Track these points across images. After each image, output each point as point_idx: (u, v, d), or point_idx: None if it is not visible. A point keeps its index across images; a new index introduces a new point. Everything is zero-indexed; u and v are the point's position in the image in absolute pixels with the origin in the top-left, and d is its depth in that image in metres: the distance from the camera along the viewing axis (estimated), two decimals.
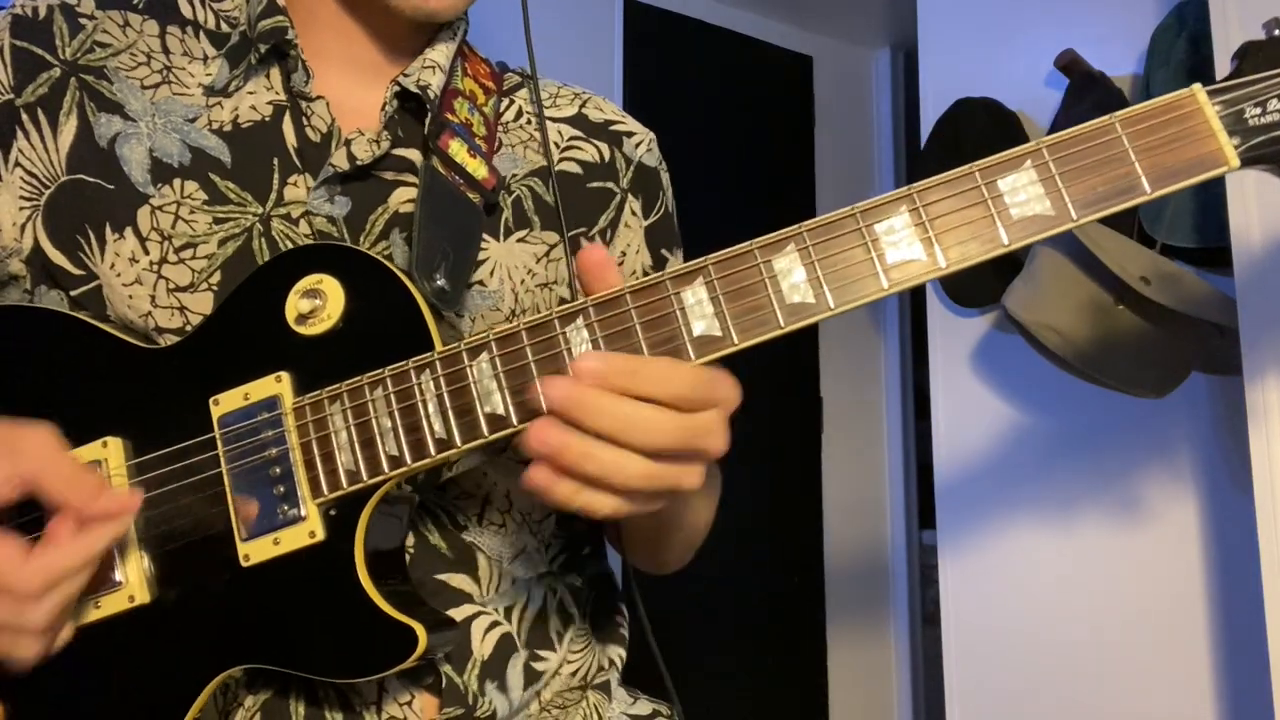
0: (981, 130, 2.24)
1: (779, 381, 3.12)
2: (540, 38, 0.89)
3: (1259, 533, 1.24)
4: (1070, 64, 2.10)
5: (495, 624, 0.79)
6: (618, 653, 0.89)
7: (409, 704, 0.75)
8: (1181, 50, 1.88)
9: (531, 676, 0.81)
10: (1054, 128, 2.15)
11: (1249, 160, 0.62)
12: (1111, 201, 0.62)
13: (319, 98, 0.80)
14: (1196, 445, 1.95)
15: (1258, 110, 0.62)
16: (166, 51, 0.81)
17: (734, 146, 3.19)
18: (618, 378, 0.60)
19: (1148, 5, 2.07)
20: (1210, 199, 1.77)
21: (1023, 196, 0.62)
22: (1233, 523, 1.88)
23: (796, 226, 0.64)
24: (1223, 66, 1.35)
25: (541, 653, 0.82)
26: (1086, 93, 2.07)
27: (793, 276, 0.63)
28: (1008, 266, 2.00)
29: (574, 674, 0.85)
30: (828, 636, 3.23)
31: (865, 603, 3.35)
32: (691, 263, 0.64)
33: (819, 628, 3.23)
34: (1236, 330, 1.36)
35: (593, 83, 0.97)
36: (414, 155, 0.80)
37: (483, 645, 0.78)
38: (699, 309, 0.63)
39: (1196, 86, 0.63)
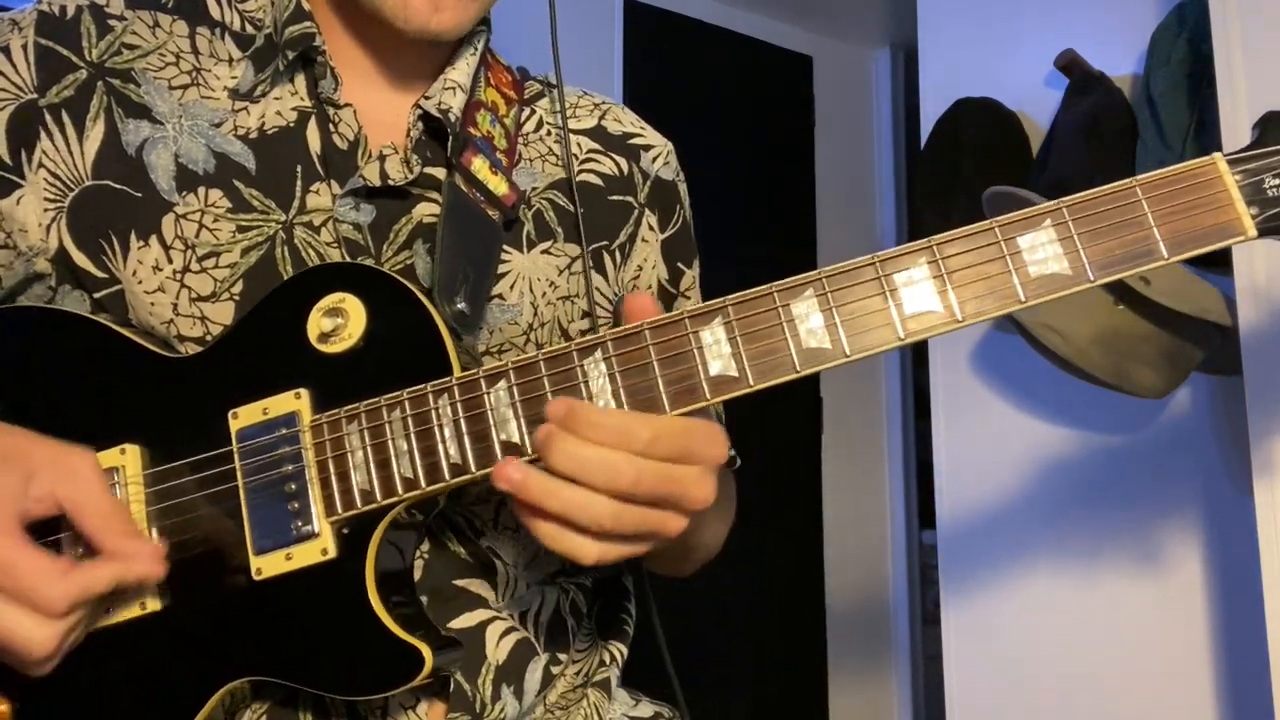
0: (981, 130, 2.24)
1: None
2: (541, 37, 0.88)
3: (1259, 534, 1.25)
4: (1070, 64, 2.10)
5: (510, 629, 0.80)
6: (618, 648, 0.89)
7: (414, 709, 0.75)
8: (1181, 50, 1.88)
9: (548, 679, 0.81)
10: (1054, 128, 2.15)
11: (1265, 230, 0.63)
12: (1128, 264, 0.63)
13: (346, 105, 0.80)
14: (1196, 446, 1.96)
15: (1277, 181, 0.63)
16: (196, 52, 0.80)
17: (734, 146, 3.19)
18: (579, 425, 0.62)
19: (1148, 5, 2.07)
20: None
21: (1041, 255, 0.63)
22: (1232, 524, 1.88)
23: (816, 272, 0.65)
24: (1223, 66, 1.35)
25: (560, 655, 0.83)
26: (1086, 93, 2.07)
27: (810, 321, 0.64)
28: None
29: (578, 673, 0.85)
30: (828, 637, 3.24)
31: (865, 602, 3.35)
32: (711, 302, 0.65)
33: (819, 628, 3.23)
34: (1236, 330, 1.36)
35: (593, 83, 0.97)
36: (439, 173, 0.80)
37: (497, 650, 0.78)
38: (716, 348, 0.64)
39: (1217, 155, 0.64)
